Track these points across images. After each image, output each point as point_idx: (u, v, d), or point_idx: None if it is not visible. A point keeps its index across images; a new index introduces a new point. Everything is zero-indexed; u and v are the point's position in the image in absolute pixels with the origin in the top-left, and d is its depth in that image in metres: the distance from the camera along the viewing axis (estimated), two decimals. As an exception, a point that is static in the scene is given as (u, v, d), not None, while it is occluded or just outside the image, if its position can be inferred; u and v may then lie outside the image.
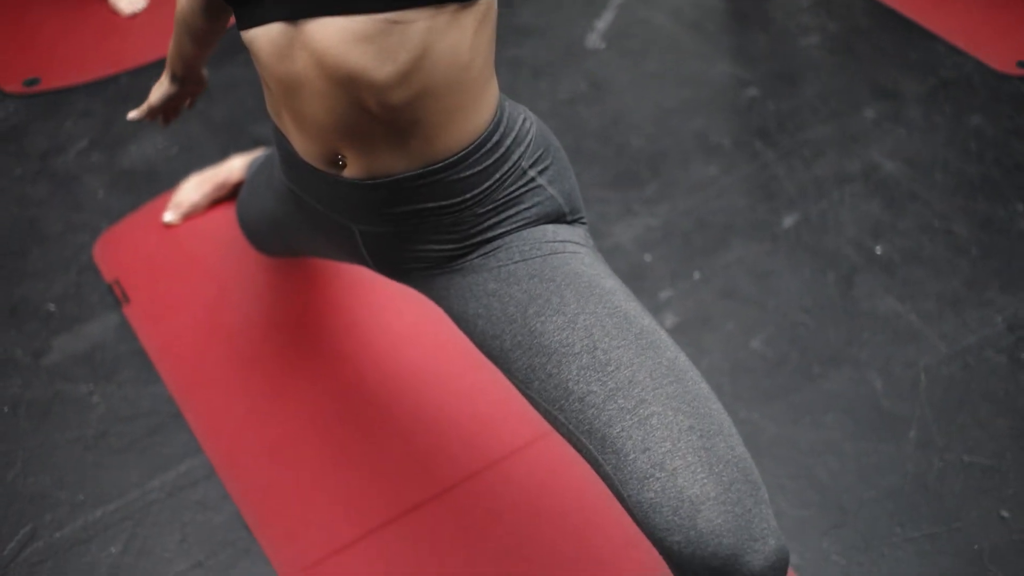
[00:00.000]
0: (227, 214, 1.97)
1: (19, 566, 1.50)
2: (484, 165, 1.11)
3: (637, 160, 2.14)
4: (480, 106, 1.09)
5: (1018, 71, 2.37)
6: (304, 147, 1.13)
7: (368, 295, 1.85)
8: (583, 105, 2.28)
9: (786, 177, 2.10)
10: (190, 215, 1.97)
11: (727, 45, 2.45)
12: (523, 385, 1.12)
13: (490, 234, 1.16)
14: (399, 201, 1.12)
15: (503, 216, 1.16)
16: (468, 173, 1.11)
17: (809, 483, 1.59)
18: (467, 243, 1.17)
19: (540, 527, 1.52)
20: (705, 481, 0.98)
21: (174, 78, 1.50)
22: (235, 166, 1.97)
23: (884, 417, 1.68)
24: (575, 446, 1.08)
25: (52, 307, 1.84)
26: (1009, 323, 1.80)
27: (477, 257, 1.17)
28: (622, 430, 1.02)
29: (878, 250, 1.95)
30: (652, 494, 0.98)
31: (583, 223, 1.23)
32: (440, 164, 1.09)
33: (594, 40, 2.44)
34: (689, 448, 0.99)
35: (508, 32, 2.49)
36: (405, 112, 1.04)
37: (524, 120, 1.16)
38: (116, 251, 1.92)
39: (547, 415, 1.10)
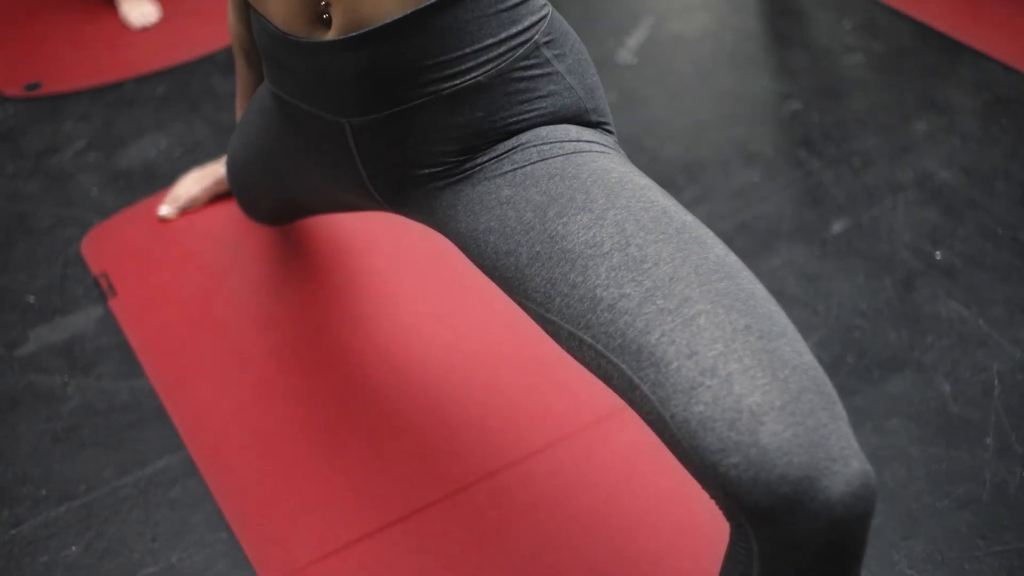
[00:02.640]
0: (226, 210, 1.83)
1: (-33, 565, 1.31)
2: (487, 14, 0.96)
3: (673, 167, 1.99)
4: None
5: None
6: (286, 4, 0.99)
7: (371, 289, 1.68)
8: (613, 115, 2.13)
9: (833, 184, 1.93)
10: (188, 210, 1.82)
11: (766, 62, 2.32)
12: (542, 308, 0.94)
13: (501, 126, 1.00)
14: (392, 61, 0.97)
15: (515, 104, 1.00)
16: (469, 17, 0.95)
17: (873, 489, 1.38)
18: (475, 139, 1.00)
19: (557, 534, 1.32)
20: (768, 387, 0.79)
21: None
22: (238, 158, 1.83)
23: (955, 423, 1.48)
24: (605, 377, 0.90)
25: (32, 299, 1.68)
26: (1091, 327, 1.61)
27: (489, 160, 1.01)
28: (662, 335, 0.83)
29: (938, 255, 1.77)
30: (702, 407, 0.79)
31: (610, 131, 1.07)
32: (436, 0, 0.94)
33: (625, 56, 2.31)
34: (746, 349, 0.81)
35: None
36: None
37: None
38: (106, 245, 1.77)
39: (571, 342, 0.92)
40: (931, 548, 1.32)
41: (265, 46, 1.08)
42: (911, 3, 2.51)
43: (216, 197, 1.84)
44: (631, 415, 1.47)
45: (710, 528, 1.28)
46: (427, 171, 1.04)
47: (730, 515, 0.81)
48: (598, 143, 1.02)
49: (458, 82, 0.98)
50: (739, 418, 0.78)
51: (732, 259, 0.89)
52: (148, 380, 1.53)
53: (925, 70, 2.27)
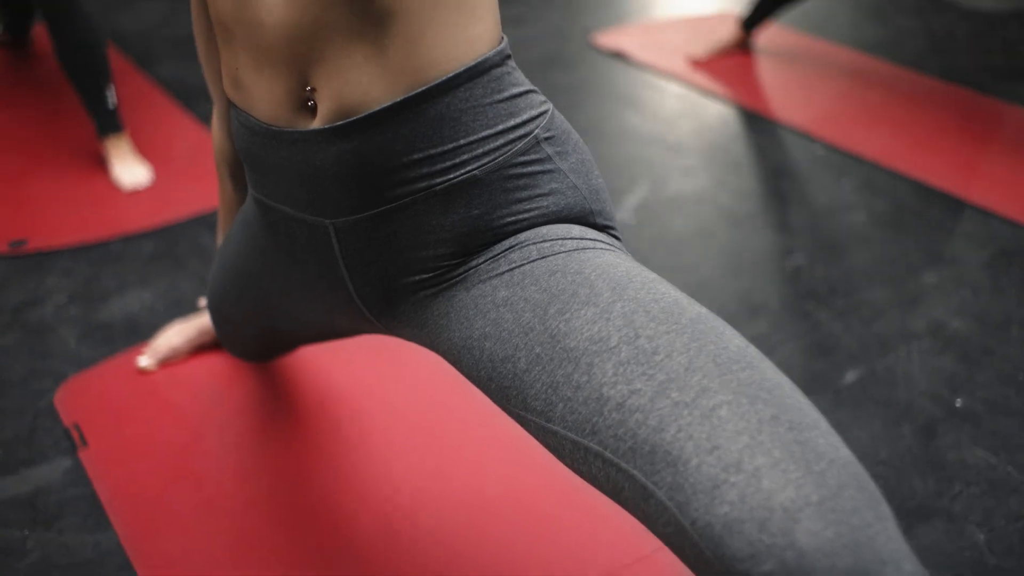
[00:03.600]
0: (210, 362, 1.74)
1: None
2: (484, 104, 0.90)
3: (674, 318, 1.92)
4: (476, 12, 0.89)
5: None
6: (268, 95, 0.93)
7: (362, 442, 1.58)
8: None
9: (844, 334, 1.86)
10: (169, 362, 1.74)
11: (766, 220, 2.28)
12: (543, 418, 0.84)
13: (498, 226, 0.93)
14: (381, 152, 0.90)
15: (513, 201, 0.93)
16: (464, 107, 0.89)
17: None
18: (469, 240, 0.93)
19: None
20: (802, 482, 0.69)
21: None
22: (223, 309, 1.76)
23: (992, 574, 1.36)
24: (615, 491, 0.79)
25: (-3, 451, 1.57)
26: None
27: (484, 262, 0.93)
28: (679, 431, 0.74)
29: (958, 403, 1.68)
30: (727, 507, 0.69)
31: (616, 236, 1.00)
32: (428, 87, 0.88)
33: (623, 215, 2.28)
34: (775, 441, 0.71)
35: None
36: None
37: (538, 95, 0.96)
38: (80, 396, 1.67)
39: (576, 454, 0.82)
40: None
41: (246, 145, 1.02)
42: (910, 164, 2.50)
43: (199, 348, 1.76)
44: (644, 567, 1.35)
45: None
46: (418, 277, 0.96)
47: None
48: (603, 242, 0.95)
49: (452, 176, 0.92)
50: (771, 517, 0.67)
51: (753, 350, 0.81)
52: (115, 533, 1.41)
53: (929, 226, 2.24)
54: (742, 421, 0.72)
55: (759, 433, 0.71)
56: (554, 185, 0.95)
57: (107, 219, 2.21)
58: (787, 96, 2.94)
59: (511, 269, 0.91)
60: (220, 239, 1.40)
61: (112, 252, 2.11)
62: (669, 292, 0.85)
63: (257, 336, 1.39)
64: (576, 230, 0.94)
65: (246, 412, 1.63)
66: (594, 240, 0.94)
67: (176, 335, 1.75)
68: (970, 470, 1.53)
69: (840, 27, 3.57)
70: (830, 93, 2.96)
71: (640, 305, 0.82)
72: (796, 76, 3.09)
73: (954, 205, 2.32)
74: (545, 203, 0.94)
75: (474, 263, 0.94)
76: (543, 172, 0.94)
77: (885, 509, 0.70)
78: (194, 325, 1.76)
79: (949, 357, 1.79)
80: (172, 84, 2.94)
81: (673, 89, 3.00)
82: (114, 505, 1.46)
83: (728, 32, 3.22)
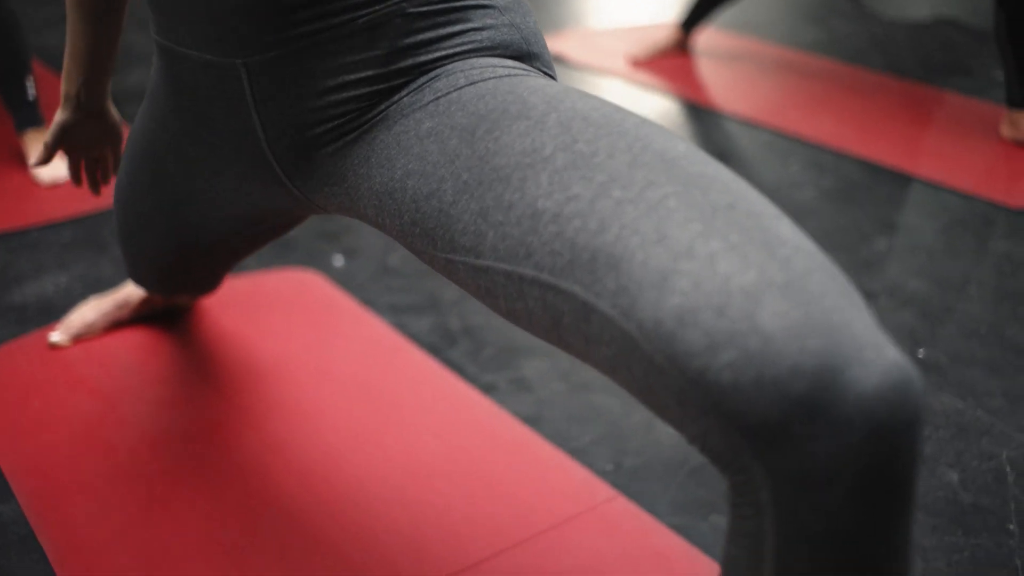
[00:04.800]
0: (126, 337, 1.62)
1: None
2: None
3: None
4: None
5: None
6: None
7: (287, 410, 1.46)
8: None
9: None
10: (83, 337, 1.61)
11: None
12: (473, 255, 0.74)
13: (424, 57, 0.84)
14: None
15: (444, 37, 0.84)
16: None
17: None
18: (394, 76, 0.84)
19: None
20: (764, 265, 0.59)
21: (67, 98, 1.21)
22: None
23: (968, 511, 1.27)
24: (554, 321, 0.69)
25: None
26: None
27: (407, 94, 0.83)
28: (622, 227, 0.64)
29: (920, 353, 1.60)
30: (678, 298, 0.60)
31: (553, 79, 0.90)
32: None
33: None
34: (732, 227, 0.62)
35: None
36: None
37: None
38: (-15, 373, 1.54)
39: (510, 290, 0.72)
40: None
41: None
42: (856, 144, 2.46)
43: (116, 325, 1.64)
44: (581, 524, 1.25)
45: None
46: (336, 123, 0.86)
47: (729, 459, 0.60)
48: (538, 72, 0.86)
49: (378, 8, 0.82)
50: (729, 302, 0.58)
51: (703, 154, 0.71)
52: (17, 504, 1.28)
53: (879, 198, 2.18)
54: (694, 210, 0.63)
55: (714, 219, 0.62)
56: (488, 21, 0.85)
57: (25, 209, 2.09)
58: (730, 90, 2.90)
59: (436, 99, 0.81)
60: (64, 87, 1.22)
61: (30, 239, 1.98)
62: (608, 103, 0.76)
63: (165, 243, 1.25)
64: (510, 63, 0.85)
65: (164, 382, 1.52)
66: (528, 70, 0.85)
67: (91, 310, 1.63)
68: (938, 415, 1.45)
69: (780, 30, 3.56)
70: (773, 87, 2.93)
71: (578, 113, 0.73)
72: (738, 73, 3.05)
73: (903, 180, 2.28)
74: (479, 37, 0.85)
75: (396, 98, 0.84)
76: (476, 7, 0.85)
77: (859, 300, 0.61)
78: (110, 300, 1.64)
79: (909, 314, 1.72)
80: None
81: (615, 86, 2.95)
82: (17, 475, 1.33)
83: (667, 34, 3.18)
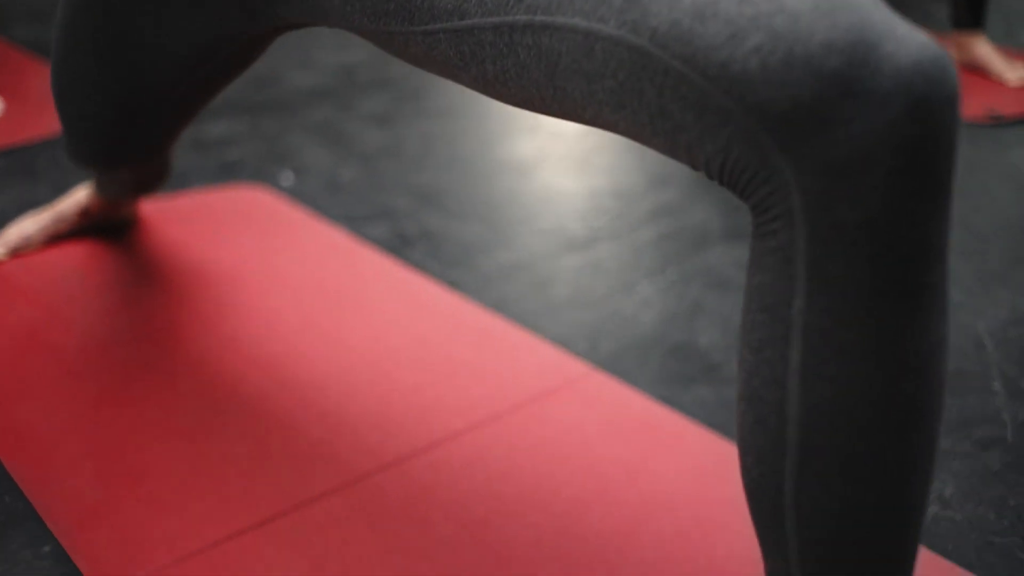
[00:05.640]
0: (68, 249, 1.54)
1: None
2: None
3: (600, 193, 1.79)
4: None
5: (990, 121, 2.14)
6: None
7: (240, 305, 1.40)
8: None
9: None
10: (21, 252, 1.53)
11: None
12: (456, 18, 0.67)
13: None
14: None
15: None
16: None
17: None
18: None
19: (484, 522, 1.02)
20: None
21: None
22: (78, 195, 1.56)
23: (952, 377, 1.25)
24: (552, 69, 0.63)
25: None
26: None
27: None
28: None
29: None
30: None
31: None
32: None
33: (552, 126, 2.15)
34: None
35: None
36: None
37: None
38: (-84, 287, 1.45)
39: (500, 46, 0.66)
40: (965, 488, 1.05)
41: None
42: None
43: (55, 239, 1.56)
44: (558, 398, 1.20)
45: (672, 503, 1.00)
46: None
47: (754, 170, 0.55)
48: None
49: None
50: None
51: None
52: (-44, 404, 1.20)
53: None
54: None
55: None
56: None
57: (-51, 141, 1.99)
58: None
59: None
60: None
61: (-42, 168, 1.89)
62: None
63: (106, 97, 1.14)
64: None
65: (110, 288, 1.44)
66: None
67: (30, 223, 1.54)
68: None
69: None
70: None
71: None
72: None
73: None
74: None
75: None
76: None
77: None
78: (49, 212, 1.55)
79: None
80: (29, 43, 2.74)
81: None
82: (-45, 377, 1.25)
83: None
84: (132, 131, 1.21)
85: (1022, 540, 0.98)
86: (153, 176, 1.47)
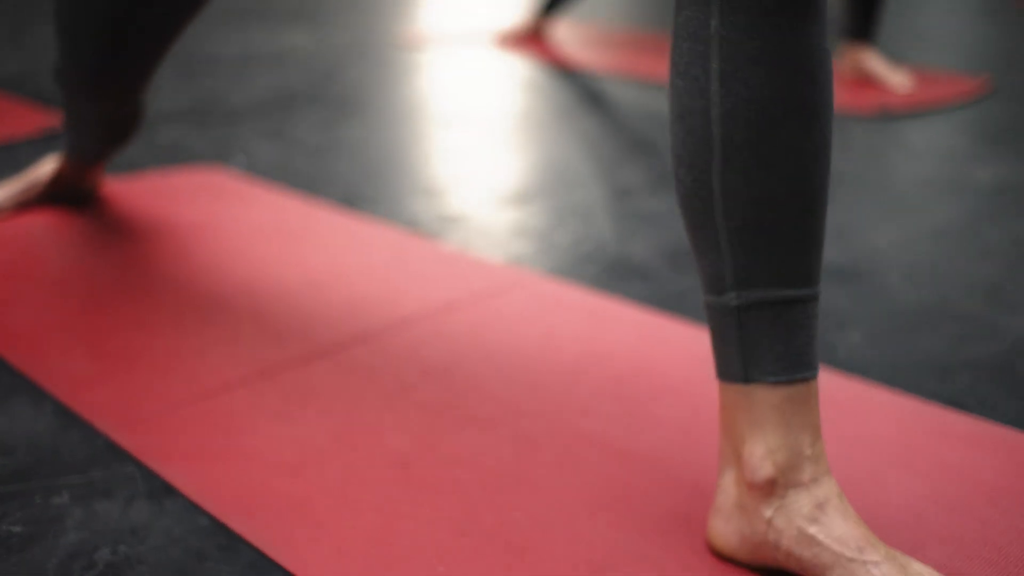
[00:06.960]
0: (39, 217, 1.64)
1: None
2: None
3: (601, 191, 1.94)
4: None
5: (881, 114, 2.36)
6: None
7: (211, 246, 1.51)
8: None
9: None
10: (-7, 217, 1.62)
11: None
12: None
13: None
14: None
15: None
16: None
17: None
18: None
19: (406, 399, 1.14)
20: None
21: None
22: (47, 164, 1.66)
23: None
24: None
25: None
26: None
27: None
28: None
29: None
30: None
31: None
32: None
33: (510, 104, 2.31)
34: None
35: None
36: None
37: None
38: None
39: None
40: (874, 330, 1.20)
41: None
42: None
43: (25, 206, 1.66)
44: (508, 297, 1.31)
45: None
46: None
47: None
48: None
49: None
50: None
51: None
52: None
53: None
54: None
55: None
56: None
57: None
58: (590, 52, 3.09)
59: None
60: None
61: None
62: None
63: (103, 21, 1.27)
64: None
65: (83, 242, 1.54)
66: None
67: (1, 192, 1.64)
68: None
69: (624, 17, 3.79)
70: (617, 50, 3.13)
71: None
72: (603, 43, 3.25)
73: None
74: None
75: None
76: None
77: None
78: (18, 181, 1.65)
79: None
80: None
81: (480, 53, 3.10)
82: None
83: (525, 20, 3.37)
84: (122, 54, 1.34)
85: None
86: (126, 123, 1.55)
